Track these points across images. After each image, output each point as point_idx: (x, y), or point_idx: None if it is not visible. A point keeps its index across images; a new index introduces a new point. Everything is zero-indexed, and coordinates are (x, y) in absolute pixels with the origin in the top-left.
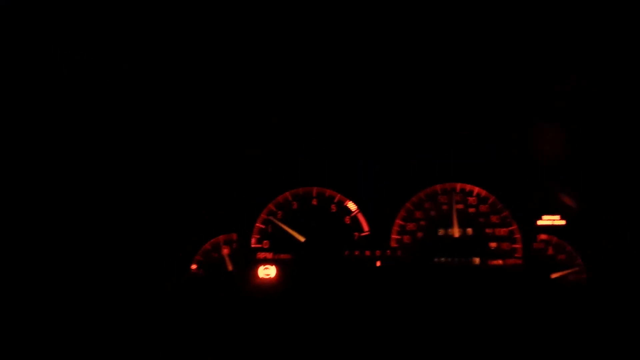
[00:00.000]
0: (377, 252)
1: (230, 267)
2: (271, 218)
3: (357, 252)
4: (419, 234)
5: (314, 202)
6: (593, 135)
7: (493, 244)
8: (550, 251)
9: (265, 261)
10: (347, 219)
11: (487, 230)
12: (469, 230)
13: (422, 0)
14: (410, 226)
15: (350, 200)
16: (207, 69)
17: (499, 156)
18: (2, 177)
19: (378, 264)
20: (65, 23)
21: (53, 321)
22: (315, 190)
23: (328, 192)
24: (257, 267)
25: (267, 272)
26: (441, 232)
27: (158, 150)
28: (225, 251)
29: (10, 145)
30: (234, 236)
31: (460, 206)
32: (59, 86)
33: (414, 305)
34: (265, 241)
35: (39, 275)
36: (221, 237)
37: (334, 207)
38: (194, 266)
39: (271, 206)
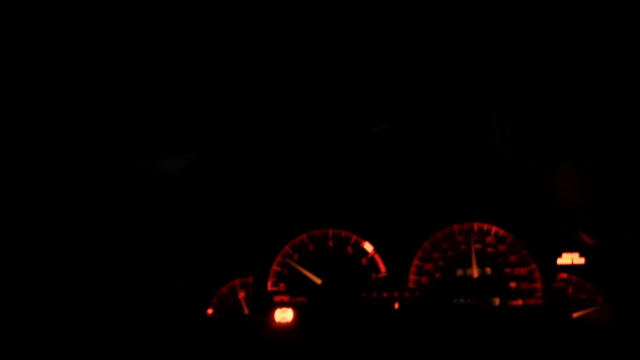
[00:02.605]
0: (395, 294)
1: (246, 311)
2: (287, 260)
3: (374, 294)
4: (437, 275)
5: (330, 243)
6: (612, 174)
7: (513, 284)
8: (570, 290)
9: (282, 304)
10: (364, 261)
11: (506, 270)
12: (488, 270)
13: None
14: (428, 266)
15: (366, 241)
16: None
17: (517, 194)
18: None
19: (396, 305)
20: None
21: None
22: (331, 231)
23: (344, 233)
24: (274, 311)
25: (284, 315)
26: (460, 272)
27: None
28: (242, 295)
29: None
30: (250, 279)
31: (478, 246)
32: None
33: (434, 348)
34: (281, 284)
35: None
36: (237, 281)
37: (350, 249)
38: (210, 310)
39: (287, 248)
